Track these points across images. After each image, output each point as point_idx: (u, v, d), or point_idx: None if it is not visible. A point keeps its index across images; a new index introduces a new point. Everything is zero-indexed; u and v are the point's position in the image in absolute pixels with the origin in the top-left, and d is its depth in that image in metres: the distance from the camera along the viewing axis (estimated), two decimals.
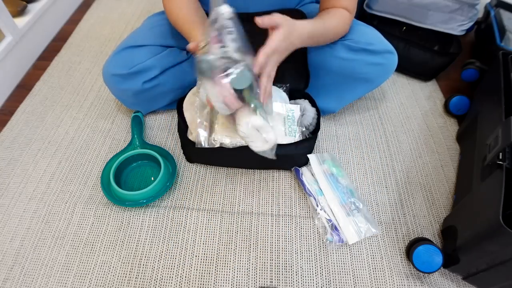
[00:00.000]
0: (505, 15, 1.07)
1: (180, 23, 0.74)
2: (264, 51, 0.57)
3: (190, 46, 0.61)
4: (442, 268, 0.65)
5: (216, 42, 0.55)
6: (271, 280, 0.66)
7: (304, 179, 0.78)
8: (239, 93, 0.54)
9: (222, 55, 0.53)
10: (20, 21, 1.09)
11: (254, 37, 0.81)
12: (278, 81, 0.66)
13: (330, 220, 0.72)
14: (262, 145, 0.58)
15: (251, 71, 0.54)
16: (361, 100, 0.99)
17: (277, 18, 0.60)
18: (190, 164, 0.84)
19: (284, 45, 0.61)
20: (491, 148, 0.65)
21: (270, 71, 0.59)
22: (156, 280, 0.66)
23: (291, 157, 0.79)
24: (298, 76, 0.84)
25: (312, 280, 0.66)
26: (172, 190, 0.79)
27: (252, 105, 0.56)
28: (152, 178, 0.79)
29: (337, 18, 0.73)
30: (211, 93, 0.55)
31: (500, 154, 0.60)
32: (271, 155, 0.59)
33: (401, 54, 0.82)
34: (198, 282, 0.66)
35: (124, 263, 0.68)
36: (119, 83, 0.80)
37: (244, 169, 0.83)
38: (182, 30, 0.74)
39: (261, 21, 0.58)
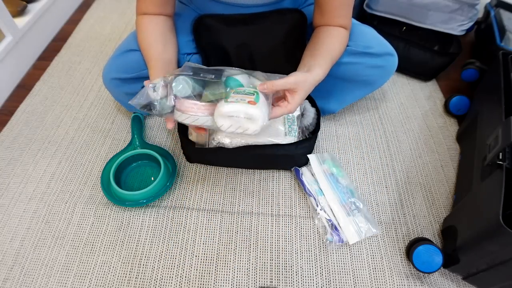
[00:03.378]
0: (505, 15, 1.07)
1: (144, 54, 0.75)
2: (279, 114, 0.59)
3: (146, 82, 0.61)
4: (442, 268, 0.65)
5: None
6: (271, 280, 0.66)
7: (304, 179, 0.78)
8: (195, 98, 0.55)
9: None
10: (20, 21, 1.09)
11: (253, 39, 0.81)
12: None
13: (330, 220, 0.72)
14: (252, 126, 0.55)
15: (190, 79, 0.55)
16: (361, 100, 0.99)
17: (290, 82, 0.59)
18: (190, 164, 0.84)
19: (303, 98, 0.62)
20: (491, 148, 0.65)
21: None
22: (156, 280, 0.66)
23: (291, 157, 0.79)
24: None
25: (312, 280, 0.66)
26: (172, 190, 0.79)
27: (215, 100, 0.56)
28: (152, 178, 0.79)
29: (338, 43, 0.72)
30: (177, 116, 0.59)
31: (500, 154, 0.60)
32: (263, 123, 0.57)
33: (401, 54, 0.82)
34: (198, 282, 0.66)
35: (124, 263, 0.68)
36: (119, 86, 0.80)
37: (244, 169, 0.83)
38: (144, 58, 0.75)
39: (274, 86, 0.58)
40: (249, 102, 0.55)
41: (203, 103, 0.56)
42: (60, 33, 1.26)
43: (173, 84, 0.54)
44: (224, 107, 0.55)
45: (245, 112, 0.54)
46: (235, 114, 0.55)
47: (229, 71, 0.61)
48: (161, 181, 0.75)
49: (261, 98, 0.57)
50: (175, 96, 0.57)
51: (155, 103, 0.57)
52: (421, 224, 0.74)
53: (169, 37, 0.75)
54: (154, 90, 0.55)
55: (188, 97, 0.56)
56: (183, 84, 0.54)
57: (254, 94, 0.57)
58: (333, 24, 0.73)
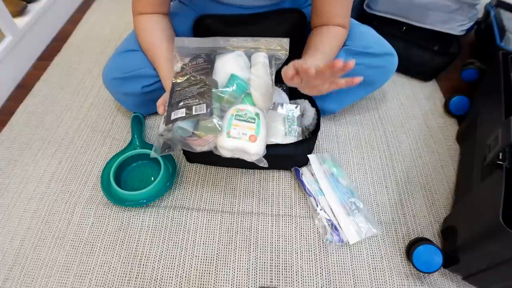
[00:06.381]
0: (505, 15, 1.07)
1: (149, 54, 0.76)
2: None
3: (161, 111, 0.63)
4: (442, 268, 0.65)
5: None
6: (271, 280, 0.66)
7: (304, 179, 0.78)
8: (195, 134, 0.59)
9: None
10: (20, 21, 1.09)
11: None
12: (278, 81, 0.66)
13: (330, 220, 0.72)
14: (248, 157, 0.59)
15: (185, 122, 0.57)
16: (361, 100, 0.99)
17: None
18: (190, 164, 0.84)
19: None
20: (491, 148, 0.65)
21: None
22: (156, 280, 0.66)
23: (291, 157, 0.79)
24: None
25: (312, 280, 0.66)
26: (172, 190, 0.79)
27: (211, 135, 0.59)
28: (152, 178, 0.79)
29: (334, 43, 0.72)
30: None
31: (500, 154, 0.60)
32: (263, 163, 0.60)
33: (401, 54, 0.82)
34: (198, 282, 0.66)
35: (124, 263, 0.68)
36: (119, 86, 0.80)
37: (244, 169, 0.83)
38: (149, 58, 0.76)
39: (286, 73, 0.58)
40: (250, 137, 0.58)
41: (203, 137, 0.60)
42: (60, 33, 1.26)
43: (174, 135, 0.59)
44: (226, 143, 0.58)
45: (245, 150, 0.58)
46: (236, 149, 0.58)
47: (222, 50, 0.66)
48: (161, 181, 0.75)
49: (262, 121, 0.60)
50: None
51: (170, 143, 0.62)
52: (421, 224, 0.74)
53: (170, 34, 0.75)
54: (162, 134, 0.60)
55: (190, 136, 0.60)
56: (182, 130, 0.58)
57: (255, 119, 0.59)
58: (330, 24, 0.73)
